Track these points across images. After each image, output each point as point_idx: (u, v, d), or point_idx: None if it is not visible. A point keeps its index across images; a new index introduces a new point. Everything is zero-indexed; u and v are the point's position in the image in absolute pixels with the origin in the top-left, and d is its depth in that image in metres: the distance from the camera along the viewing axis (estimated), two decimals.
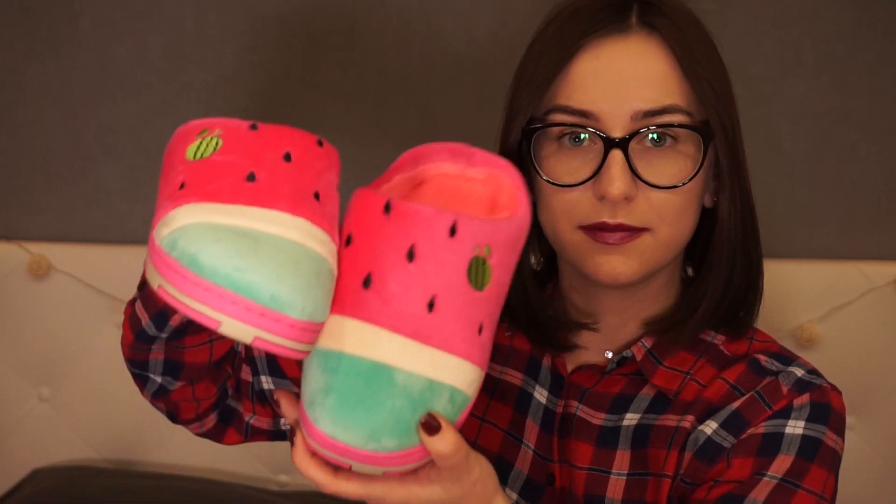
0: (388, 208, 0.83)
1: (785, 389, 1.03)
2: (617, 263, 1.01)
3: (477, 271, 0.83)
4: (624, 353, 1.08)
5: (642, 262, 1.02)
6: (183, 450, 1.93)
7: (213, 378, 1.14)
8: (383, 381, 0.80)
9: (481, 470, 0.87)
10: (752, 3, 1.87)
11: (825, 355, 1.84)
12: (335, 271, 0.82)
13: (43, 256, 1.92)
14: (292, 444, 0.84)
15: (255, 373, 1.16)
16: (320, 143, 0.87)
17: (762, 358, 1.07)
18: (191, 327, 1.06)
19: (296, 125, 0.93)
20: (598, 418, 1.08)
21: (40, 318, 1.93)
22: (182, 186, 0.81)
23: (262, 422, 1.18)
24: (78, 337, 1.93)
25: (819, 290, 1.86)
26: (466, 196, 0.91)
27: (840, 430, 1.03)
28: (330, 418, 0.80)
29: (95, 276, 1.91)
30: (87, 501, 1.76)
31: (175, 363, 1.10)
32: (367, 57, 1.92)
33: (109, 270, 1.91)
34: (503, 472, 1.11)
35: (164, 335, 1.06)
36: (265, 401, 1.17)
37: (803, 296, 1.86)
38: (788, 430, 1.01)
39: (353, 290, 0.82)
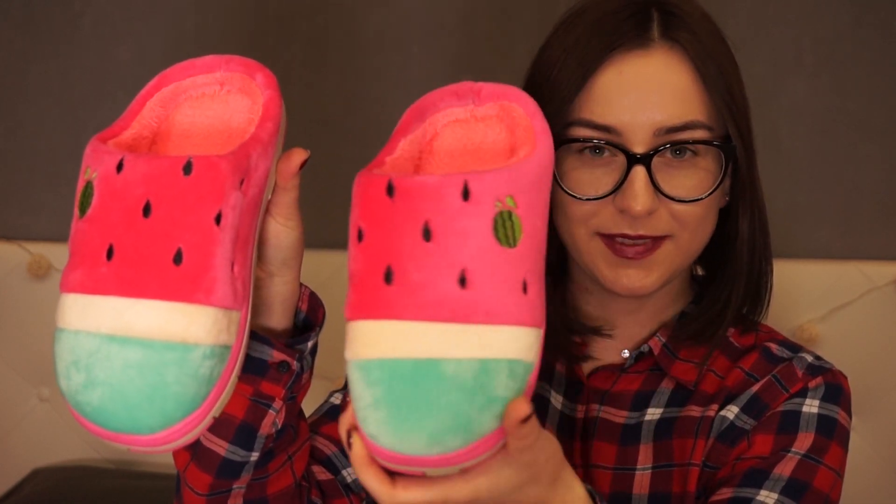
0: (390, 190, 0.77)
1: (800, 373, 1.07)
2: (636, 277, 1.02)
3: (505, 227, 0.76)
4: (641, 348, 1.09)
5: (662, 272, 1.03)
6: None
7: (301, 500, 1.02)
8: (431, 378, 0.74)
9: (550, 444, 0.81)
10: (752, 3, 1.87)
11: (825, 355, 1.83)
12: (206, 336, 0.78)
13: (43, 256, 1.91)
14: (348, 447, 0.78)
15: (336, 471, 1.08)
16: (187, 170, 0.79)
17: (773, 346, 1.10)
18: (282, 438, 0.95)
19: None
20: (620, 417, 1.09)
21: (40, 318, 1.93)
22: (70, 255, 0.82)
23: None
24: None
25: (819, 290, 1.86)
26: (482, 140, 0.85)
27: (849, 411, 1.07)
28: (387, 433, 0.74)
29: None
30: (87, 501, 1.76)
31: (258, 501, 0.97)
32: (367, 57, 1.92)
33: None
34: None
35: (254, 455, 0.93)
36: (356, 490, 1.09)
37: (803, 296, 1.86)
38: (805, 408, 1.04)
39: (375, 288, 0.76)
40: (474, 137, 0.86)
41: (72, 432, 1.95)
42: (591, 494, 0.86)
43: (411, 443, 0.74)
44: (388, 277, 0.76)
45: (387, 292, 0.76)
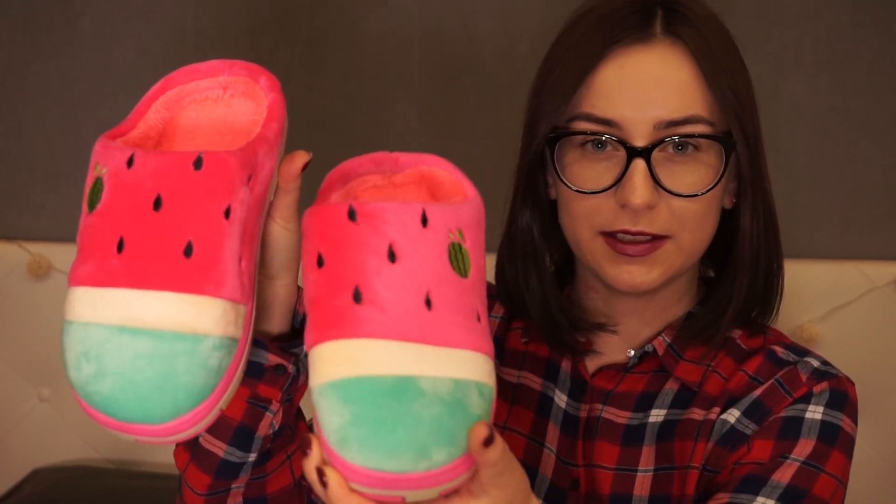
0: (352, 214, 0.78)
1: (804, 377, 1.05)
2: (637, 273, 1.02)
3: (457, 258, 0.78)
4: (646, 348, 1.09)
5: (663, 271, 1.03)
6: None
7: (301, 499, 1.01)
8: (413, 394, 0.73)
9: (521, 471, 0.79)
10: (752, 3, 1.87)
11: (825, 355, 1.83)
12: (215, 327, 0.78)
13: (43, 256, 1.92)
14: (322, 486, 0.75)
15: None
16: (198, 165, 0.79)
17: (779, 350, 1.09)
18: (279, 438, 0.95)
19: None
20: (623, 417, 1.08)
21: (40, 318, 1.93)
22: (79, 250, 0.82)
23: None
24: None
25: (819, 290, 1.86)
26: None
27: (855, 418, 1.05)
28: (370, 450, 0.72)
29: None
30: (87, 501, 1.76)
31: (258, 500, 0.98)
32: (367, 57, 1.92)
33: None
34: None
35: (252, 456, 0.94)
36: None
37: (803, 296, 1.86)
38: (808, 414, 1.03)
39: (343, 308, 0.76)
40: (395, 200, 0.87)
41: (72, 432, 1.95)
42: None
43: (398, 459, 0.72)
44: (357, 297, 0.76)
45: (357, 311, 0.76)
